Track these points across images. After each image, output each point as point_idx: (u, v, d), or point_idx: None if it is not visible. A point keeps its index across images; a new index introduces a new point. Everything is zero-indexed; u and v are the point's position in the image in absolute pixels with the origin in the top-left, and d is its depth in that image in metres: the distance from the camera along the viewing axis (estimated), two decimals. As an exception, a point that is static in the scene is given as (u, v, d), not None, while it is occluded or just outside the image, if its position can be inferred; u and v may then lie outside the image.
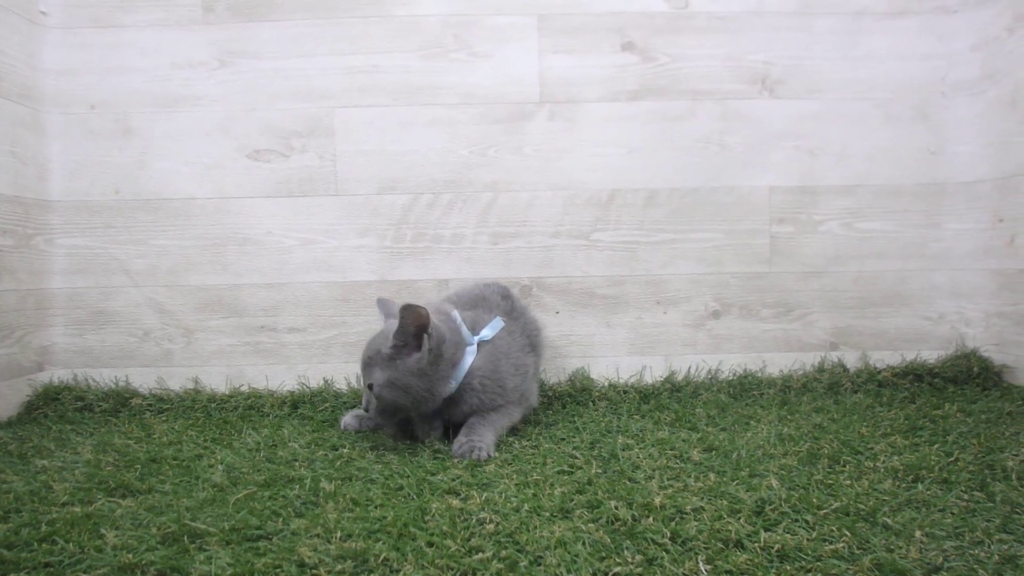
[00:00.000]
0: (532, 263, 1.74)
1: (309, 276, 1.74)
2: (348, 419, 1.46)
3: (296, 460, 1.22)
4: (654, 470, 1.12)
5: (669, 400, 1.62)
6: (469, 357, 1.31)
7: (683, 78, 1.73)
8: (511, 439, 1.33)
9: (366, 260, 1.74)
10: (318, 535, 0.89)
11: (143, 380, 1.73)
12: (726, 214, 1.75)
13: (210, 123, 1.73)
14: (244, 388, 1.73)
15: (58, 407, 1.63)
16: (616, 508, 0.95)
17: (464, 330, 1.33)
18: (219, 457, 1.24)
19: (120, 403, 1.66)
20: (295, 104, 1.72)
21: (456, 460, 1.19)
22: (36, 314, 1.69)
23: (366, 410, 1.27)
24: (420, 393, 1.24)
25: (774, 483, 1.04)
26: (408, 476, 1.11)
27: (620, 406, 1.60)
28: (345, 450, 1.27)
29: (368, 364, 1.27)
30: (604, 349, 1.76)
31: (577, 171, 1.74)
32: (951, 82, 1.74)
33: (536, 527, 0.90)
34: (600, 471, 1.12)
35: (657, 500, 0.97)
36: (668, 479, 1.08)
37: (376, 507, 0.99)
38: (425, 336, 1.22)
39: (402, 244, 1.74)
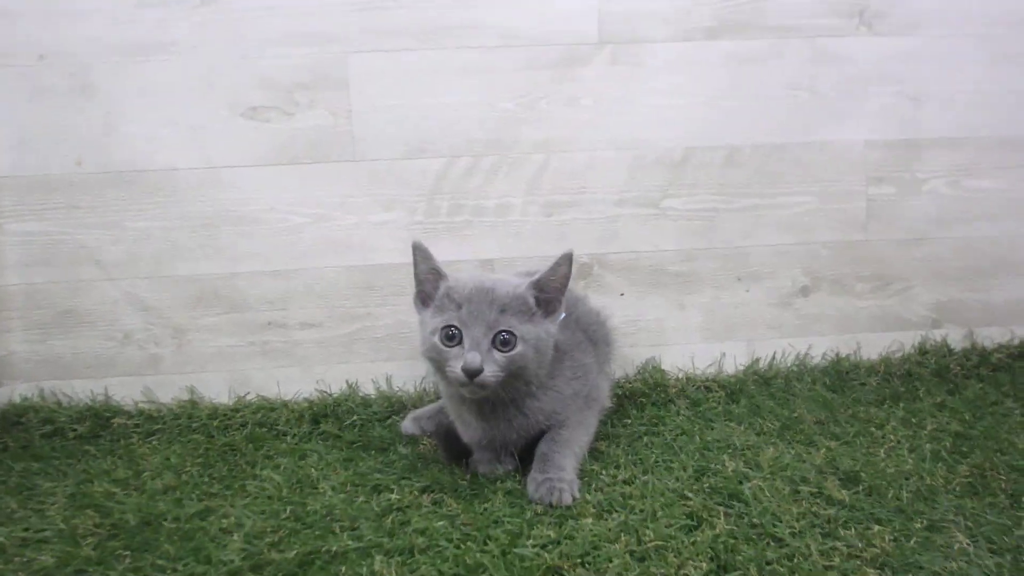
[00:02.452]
0: (592, 237, 1.46)
1: (323, 260, 1.44)
2: (407, 424, 1.27)
3: (333, 517, 0.94)
4: (797, 519, 0.88)
5: (760, 396, 1.38)
6: None
7: (767, 12, 1.44)
8: (594, 466, 1.07)
9: (392, 239, 1.44)
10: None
11: (127, 392, 1.42)
12: (818, 174, 1.49)
13: (191, 75, 1.39)
14: (251, 397, 1.43)
15: (21, 435, 1.32)
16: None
17: None
18: (232, 516, 0.95)
19: (99, 425, 1.35)
20: (298, 49, 1.39)
21: (538, 508, 0.94)
22: (-14, 318, 1.36)
23: (468, 376, 0.96)
24: (544, 368, 1.04)
25: (962, 539, 0.80)
26: (487, 545, 0.84)
27: (704, 406, 1.35)
28: (393, 495, 1.00)
29: (504, 308, 0.99)
30: (676, 335, 1.50)
31: (644, 126, 1.45)
32: (1073, 13, 1.48)
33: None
34: (732, 526, 0.87)
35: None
36: (823, 535, 0.84)
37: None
38: (563, 301, 1.04)
39: (436, 218, 1.44)
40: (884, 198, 1.50)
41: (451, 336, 0.99)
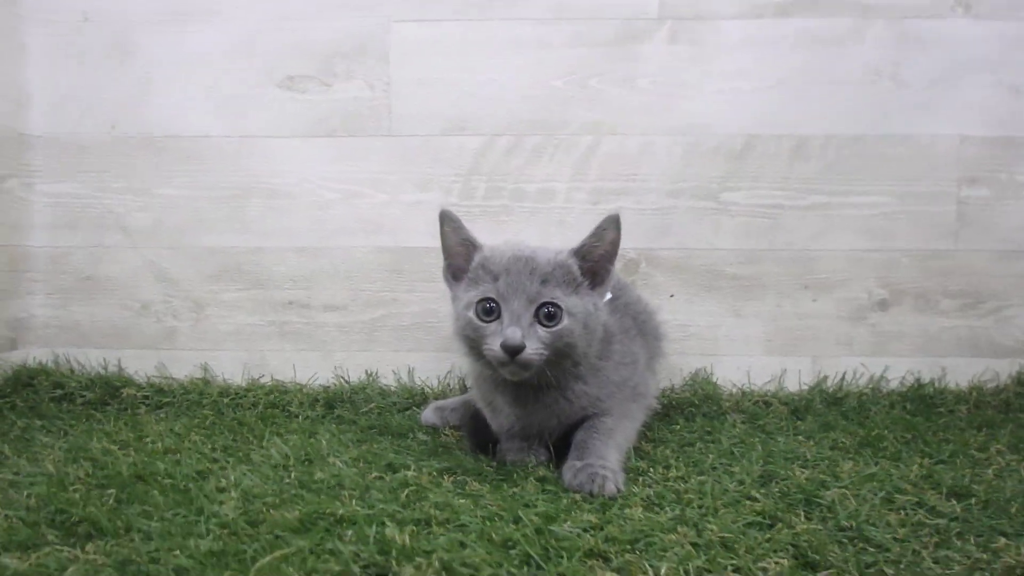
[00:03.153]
0: (642, 230, 1.34)
1: (352, 239, 1.35)
2: (428, 413, 1.17)
3: (342, 486, 0.82)
4: (898, 527, 0.71)
5: (831, 415, 1.20)
6: None
7: (848, -10, 1.31)
8: (639, 463, 0.93)
9: (425, 220, 1.35)
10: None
11: (139, 365, 1.36)
12: (899, 171, 1.32)
13: (230, 41, 1.35)
14: (265, 380, 1.35)
15: (30, 396, 1.28)
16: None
17: None
18: (232, 477, 0.85)
19: (108, 393, 1.30)
20: (339, 17, 1.34)
21: (577, 496, 0.80)
22: (9, 277, 1.33)
23: (509, 353, 0.84)
24: (591, 347, 0.91)
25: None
26: (521, 523, 0.71)
27: (763, 420, 1.19)
28: (410, 472, 0.88)
29: (546, 279, 0.87)
30: (732, 346, 1.35)
31: (704, 110, 1.33)
32: None
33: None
34: (816, 526, 0.71)
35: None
36: (935, 545, 0.67)
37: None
38: (610, 275, 0.92)
39: (472, 201, 1.34)
40: (978, 202, 1.32)
41: (488, 310, 0.87)
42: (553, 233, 1.33)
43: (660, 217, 1.34)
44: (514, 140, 1.33)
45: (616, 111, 1.33)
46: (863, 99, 1.32)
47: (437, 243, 0.99)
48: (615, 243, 0.91)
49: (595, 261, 0.91)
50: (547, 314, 0.86)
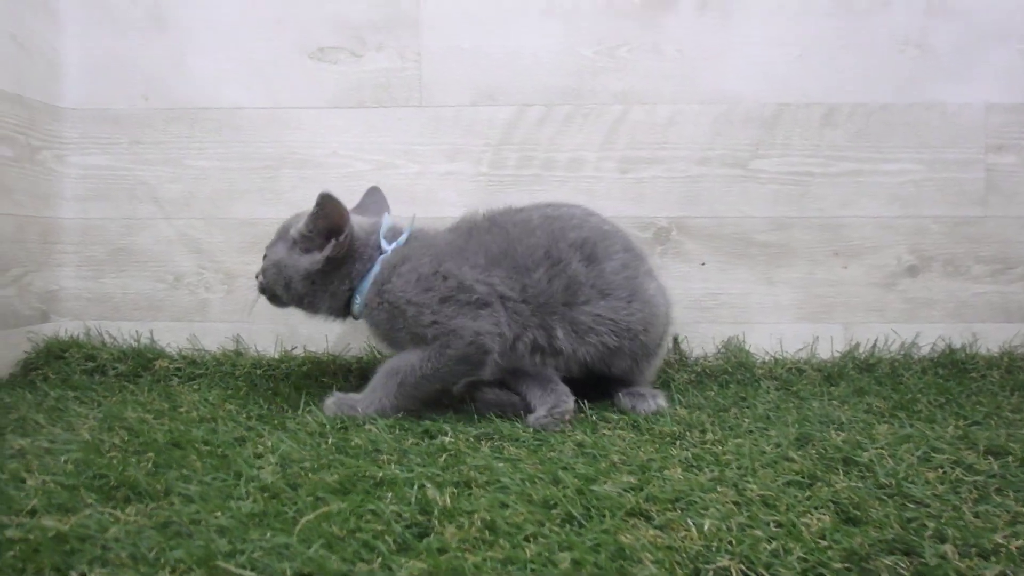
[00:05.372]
0: (672, 198, 1.34)
1: (383, 210, 1.36)
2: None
3: (380, 451, 0.83)
4: (939, 483, 0.72)
5: (863, 380, 1.21)
6: (376, 267, 1.06)
7: (876, -41, 1.32)
8: (675, 427, 0.93)
9: (456, 190, 1.35)
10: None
11: (172, 337, 1.36)
12: (928, 138, 1.33)
13: (262, 12, 1.36)
14: (298, 351, 1.35)
15: (62, 368, 1.27)
16: (941, 554, 0.57)
17: (380, 240, 1.08)
18: (269, 443, 0.86)
19: (141, 365, 1.29)
20: (371, -11, 1.34)
21: (616, 458, 0.81)
22: (41, 249, 1.33)
23: (257, 277, 1.12)
24: (298, 295, 1.09)
25: None
26: (561, 484, 0.71)
27: (796, 386, 1.19)
28: (447, 438, 0.89)
29: (278, 234, 1.11)
30: (763, 313, 1.35)
31: (733, 78, 1.33)
32: None
33: None
34: (855, 483, 0.72)
35: (999, 538, 0.59)
36: (975, 501, 0.68)
37: (529, 539, 0.61)
38: (332, 242, 1.04)
39: (503, 171, 1.35)
40: (1006, 168, 1.33)
41: None
42: (583, 203, 1.32)
43: (690, 185, 1.34)
44: (544, 110, 1.34)
45: (645, 80, 1.33)
46: (891, 67, 1.33)
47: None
48: (328, 215, 1.03)
49: (321, 231, 1.05)
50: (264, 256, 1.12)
